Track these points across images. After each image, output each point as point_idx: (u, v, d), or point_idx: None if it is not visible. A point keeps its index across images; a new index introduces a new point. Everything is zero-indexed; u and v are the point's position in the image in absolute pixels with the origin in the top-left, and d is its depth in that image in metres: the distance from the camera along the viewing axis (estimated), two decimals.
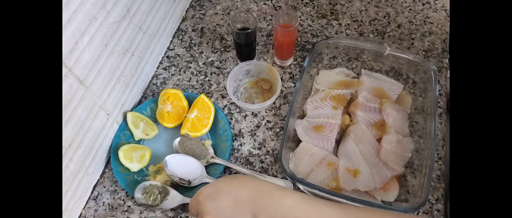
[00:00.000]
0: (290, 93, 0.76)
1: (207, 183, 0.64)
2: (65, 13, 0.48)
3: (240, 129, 0.72)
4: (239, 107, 0.75)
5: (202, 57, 0.83)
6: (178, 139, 0.68)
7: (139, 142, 0.70)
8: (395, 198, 0.60)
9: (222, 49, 0.84)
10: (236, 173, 0.67)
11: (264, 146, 0.70)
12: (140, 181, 0.65)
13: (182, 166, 0.64)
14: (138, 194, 0.62)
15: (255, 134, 0.71)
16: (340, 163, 0.63)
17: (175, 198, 0.62)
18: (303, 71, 0.69)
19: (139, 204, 0.63)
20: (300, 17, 0.88)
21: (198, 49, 0.85)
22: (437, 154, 0.66)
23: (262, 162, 0.68)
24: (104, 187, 0.67)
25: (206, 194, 0.46)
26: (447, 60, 0.79)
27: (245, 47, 0.76)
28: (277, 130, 0.72)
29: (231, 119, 0.73)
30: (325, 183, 0.62)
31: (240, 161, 0.68)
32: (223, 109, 0.75)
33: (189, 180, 0.64)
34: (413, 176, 0.63)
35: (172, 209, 0.63)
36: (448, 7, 0.88)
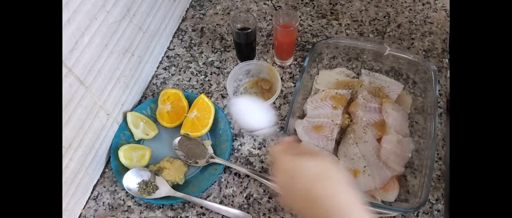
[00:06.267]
0: (290, 93, 0.76)
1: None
2: (65, 13, 0.48)
3: (240, 129, 0.72)
4: None
5: (202, 57, 0.83)
6: (178, 138, 0.68)
7: (139, 142, 0.70)
8: (395, 198, 0.60)
9: (222, 49, 0.84)
10: (236, 173, 0.67)
11: (264, 146, 0.70)
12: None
13: (248, 112, 0.57)
14: (129, 184, 0.63)
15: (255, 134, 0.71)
16: (340, 163, 0.63)
17: (163, 190, 0.63)
18: (303, 71, 0.69)
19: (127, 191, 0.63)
20: (300, 17, 0.88)
21: (198, 49, 0.85)
22: (437, 154, 0.66)
23: (262, 162, 0.68)
24: (104, 187, 0.67)
25: (289, 169, 0.43)
26: (447, 60, 0.79)
27: (245, 47, 0.76)
28: (277, 130, 0.72)
29: (231, 119, 0.73)
30: None
31: (240, 161, 0.68)
32: (223, 109, 0.75)
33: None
34: (413, 176, 0.63)
35: (172, 209, 0.63)
36: (448, 7, 0.88)
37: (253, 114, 0.56)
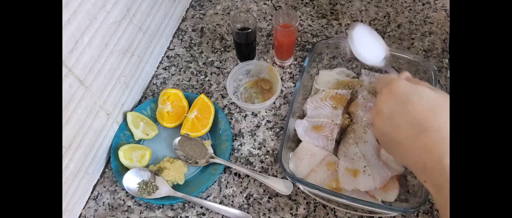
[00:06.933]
0: (290, 93, 0.76)
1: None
2: (65, 13, 0.48)
3: (240, 129, 0.72)
4: (239, 107, 0.75)
5: (202, 57, 0.83)
6: (178, 138, 0.68)
7: (139, 142, 0.70)
8: (395, 198, 0.60)
9: (222, 49, 0.84)
10: (236, 173, 0.67)
11: (264, 146, 0.70)
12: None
13: (368, 43, 0.57)
14: (129, 184, 0.63)
15: (255, 134, 0.71)
16: (340, 163, 0.63)
17: (163, 190, 0.63)
18: (303, 71, 0.69)
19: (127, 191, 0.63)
20: (300, 17, 0.88)
21: (198, 49, 0.85)
22: None
23: (262, 162, 0.68)
24: (104, 187, 0.67)
25: (389, 106, 0.42)
26: (447, 60, 0.79)
27: (245, 47, 0.76)
28: (277, 130, 0.72)
29: (231, 119, 0.73)
30: (325, 183, 0.62)
31: (240, 161, 0.68)
32: (223, 108, 0.75)
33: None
34: (413, 176, 0.63)
35: (172, 209, 0.63)
36: (448, 7, 0.88)
37: (373, 45, 0.55)
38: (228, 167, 0.67)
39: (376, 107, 0.44)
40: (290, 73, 0.79)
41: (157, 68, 0.82)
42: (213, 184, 0.66)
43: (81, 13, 0.52)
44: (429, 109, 0.39)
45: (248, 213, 0.62)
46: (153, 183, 0.63)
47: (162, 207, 0.64)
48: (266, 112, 0.74)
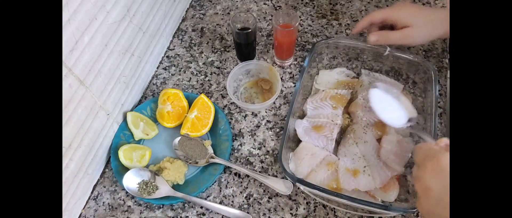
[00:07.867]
0: (290, 93, 0.76)
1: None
2: (65, 13, 0.48)
3: (240, 129, 0.72)
4: (239, 107, 0.75)
5: (202, 57, 0.83)
6: (178, 138, 0.68)
7: (139, 142, 0.70)
8: (395, 198, 0.60)
9: (222, 49, 0.84)
10: (236, 173, 0.67)
11: (264, 146, 0.70)
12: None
13: (386, 105, 0.55)
14: (129, 184, 0.63)
15: (255, 134, 0.71)
16: (340, 163, 0.63)
17: (163, 190, 0.63)
18: (303, 71, 0.69)
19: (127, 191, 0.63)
20: (300, 17, 0.88)
21: (198, 49, 0.85)
22: None
23: (262, 162, 0.68)
24: (104, 187, 0.67)
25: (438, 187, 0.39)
26: (447, 60, 0.79)
27: (245, 47, 0.76)
28: (277, 130, 0.72)
29: (231, 119, 0.73)
30: (325, 183, 0.62)
31: (240, 161, 0.68)
32: (223, 109, 0.75)
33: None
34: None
35: (172, 209, 0.63)
36: (448, 7, 0.88)
37: (392, 107, 0.54)
38: (228, 167, 0.67)
39: (423, 184, 0.41)
40: (290, 73, 0.79)
41: (157, 68, 0.82)
42: (213, 184, 0.66)
43: (81, 13, 0.52)
44: None
45: (248, 213, 0.62)
46: (153, 183, 0.63)
47: (162, 207, 0.64)
48: (266, 112, 0.74)
